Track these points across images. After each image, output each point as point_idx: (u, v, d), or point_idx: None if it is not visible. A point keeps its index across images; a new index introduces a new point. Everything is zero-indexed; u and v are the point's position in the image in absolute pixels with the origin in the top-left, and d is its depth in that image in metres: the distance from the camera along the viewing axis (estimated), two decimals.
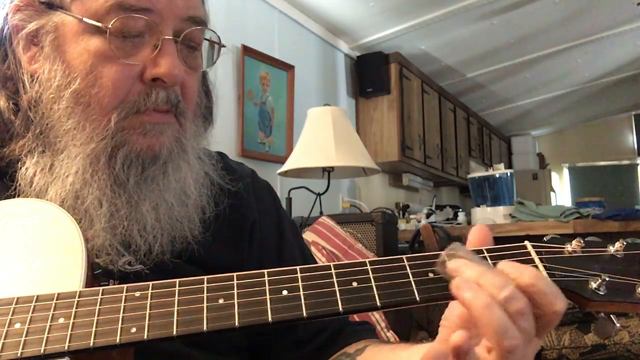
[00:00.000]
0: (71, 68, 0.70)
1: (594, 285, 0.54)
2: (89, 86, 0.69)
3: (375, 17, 3.91)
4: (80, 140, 0.69)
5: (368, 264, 0.56)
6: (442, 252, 0.54)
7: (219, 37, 0.79)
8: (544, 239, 0.58)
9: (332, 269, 0.56)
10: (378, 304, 0.53)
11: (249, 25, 3.21)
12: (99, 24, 0.68)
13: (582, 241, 0.56)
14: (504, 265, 0.53)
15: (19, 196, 0.70)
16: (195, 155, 0.78)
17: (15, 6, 0.73)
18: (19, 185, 0.70)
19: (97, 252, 0.69)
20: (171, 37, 0.71)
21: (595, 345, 2.28)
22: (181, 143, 0.75)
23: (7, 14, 0.74)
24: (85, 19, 0.69)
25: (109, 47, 0.68)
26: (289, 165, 2.75)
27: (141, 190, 0.71)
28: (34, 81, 0.72)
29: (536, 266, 0.55)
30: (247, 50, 3.11)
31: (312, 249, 2.24)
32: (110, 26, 0.67)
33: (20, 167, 0.71)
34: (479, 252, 0.57)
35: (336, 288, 0.54)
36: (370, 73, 4.33)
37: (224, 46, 0.80)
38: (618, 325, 0.53)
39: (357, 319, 0.89)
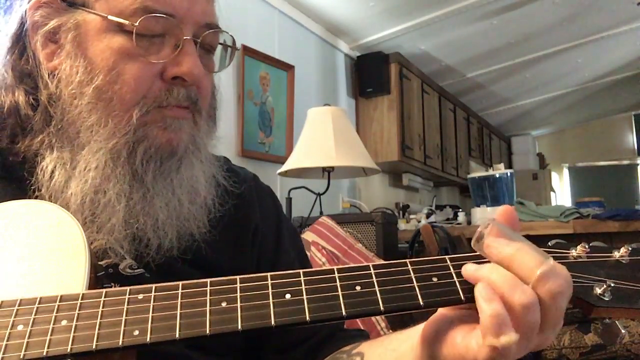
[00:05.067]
0: (93, 65, 0.71)
1: (599, 290, 0.54)
2: (111, 82, 0.70)
3: (375, 17, 3.90)
4: (102, 136, 0.70)
5: (372, 268, 0.56)
6: (479, 229, 0.55)
7: (234, 40, 0.80)
8: (549, 243, 0.57)
9: (336, 272, 0.56)
10: (381, 308, 0.53)
11: (249, 25, 3.21)
12: (126, 22, 0.69)
13: (587, 246, 0.56)
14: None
15: (38, 190, 0.71)
16: (206, 155, 0.79)
17: (36, 3, 0.74)
18: (39, 179, 0.71)
19: (103, 252, 0.70)
20: (192, 38, 0.73)
21: (595, 345, 2.28)
22: (195, 141, 0.76)
23: (26, 11, 0.74)
24: (110, 17, 0.70)
25: (132, 45, 0.69)
26: (289, 165, 2.75)
27: (157, 185, 0.72)
28: (54, 77, 0.73)
29: None
30: (247, 50, 3.11)
31: (312, 249, 2.24)
32: (136, 24, 0.69)
33: (40, 162, 0.72)
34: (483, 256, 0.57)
35: (339, 292, 0.54)
36: (370, 73, 4.33)
37: (237, 49, 0.81)
38: (624, 331, 0.53)
39: (359, 322, 0.89)
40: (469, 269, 0.55)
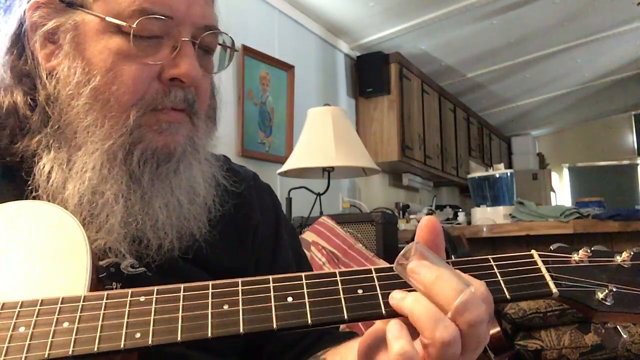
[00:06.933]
0: (91, 65, 0.71)
1: (600, 295, 0.54)
2: (109, 83, 0.70)
3: (375, 17, 3.90)
4: (98, 137, 0.71)
5: (373, 272, 0.56)
6: (401, 252, 0.54)
7: (232, 41, 0.80)
8: (551, 247, 0.57)
9: (338, 276, 0.56)
10: (383, 312, 0.53)
11: (249, 25, 3.21)
12: (123, 23, 0.69)
13: (589, 250, 0.56)
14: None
15: (36, 191, 0.71)
16: (205, 155, 0.80)
17: (35, 3, 0.74)
18: (36, 180, 0.71)
19: (104, 252, 0.70)
20: (190, 39, 0.73)
21: (595, 345, 2.28)
22: (194, 142, 0.76)
23: (25, 11, 0.74)
24: (108, 18, 0.70)
25: (130, 46, 0.69)
26: (289, 165, 2.75)
27: (154, 186, 0.73)
28: (52, 78, 0.73)
29: (544, 276, 0.55)
30: (247, 50, 3.11)
31: (312, 249, 2.24)
32: (134, 26, 0.69)
33: (37, 162, 0.72)
34: (485, 260, 0.57)
35: (341, 295, 0.54)
36: (370, 73, 4.33)
37: (236, 50, 0.82)
38: (625, 336, 0.53)
39: (361, 326, 0.89)
40: (395, 298, 0.54)
